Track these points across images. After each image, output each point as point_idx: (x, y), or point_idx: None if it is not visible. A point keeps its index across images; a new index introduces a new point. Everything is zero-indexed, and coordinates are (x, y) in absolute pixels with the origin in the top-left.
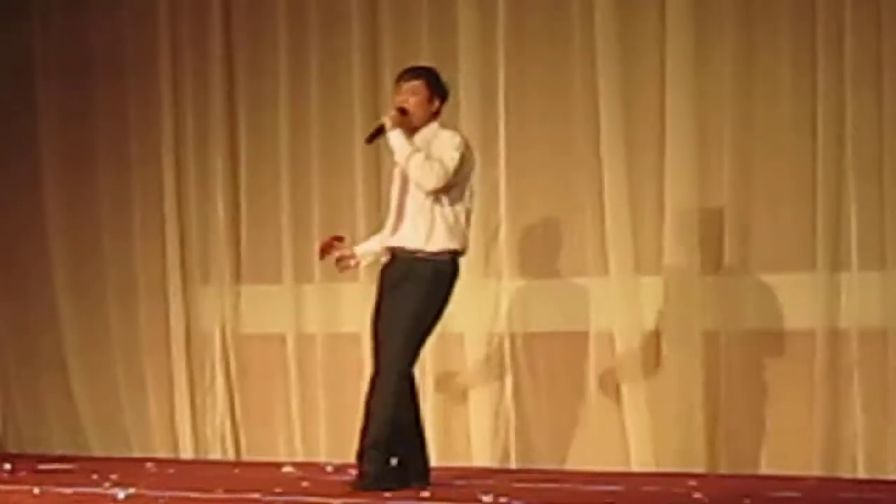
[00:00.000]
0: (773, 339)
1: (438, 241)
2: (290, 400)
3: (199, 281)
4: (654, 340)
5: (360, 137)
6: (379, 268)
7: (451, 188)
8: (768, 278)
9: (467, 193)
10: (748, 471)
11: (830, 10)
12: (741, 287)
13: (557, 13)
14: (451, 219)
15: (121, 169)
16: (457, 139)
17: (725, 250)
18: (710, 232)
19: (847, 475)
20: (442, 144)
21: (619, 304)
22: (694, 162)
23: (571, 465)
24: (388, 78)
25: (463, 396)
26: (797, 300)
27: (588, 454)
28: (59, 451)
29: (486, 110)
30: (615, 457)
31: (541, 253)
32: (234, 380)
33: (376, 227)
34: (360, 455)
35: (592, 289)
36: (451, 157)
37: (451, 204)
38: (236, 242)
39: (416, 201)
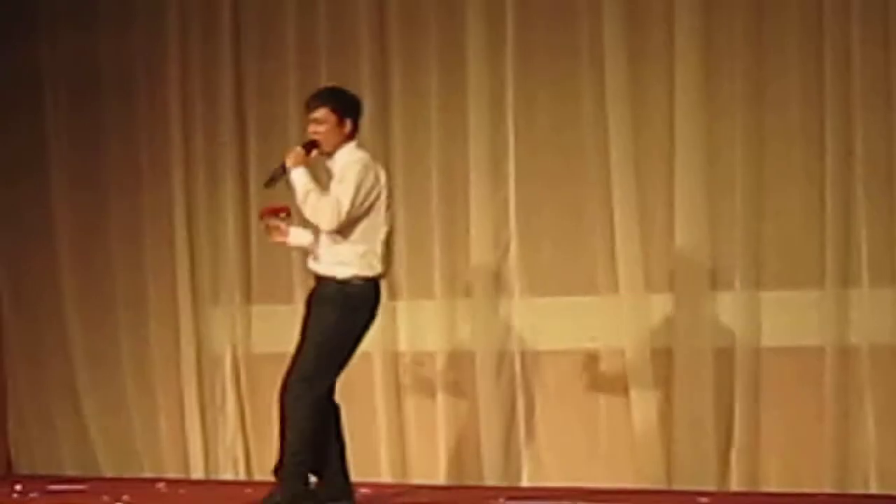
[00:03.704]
0: (784, 356)
1: (349, 269)
2: None
3: (210, 301)
4: (664, 358)
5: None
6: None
7: (359, 221)
8: (779, 295)
9: (380, 218)
10: (759, 488)
11: (838, 26)
12: (751, 304)
13: (566, 26)
14: (360, 249)
15: (130, 190)
16: (355, 169)
17: (736, 267)
18: (720, 249)
19: (859, 492)
20: (343, 175)
21: (630, 321)
22: (703, 179)
23: (582, 483)
24: (396, 96)
25: (474, 415)
26: (808, 316)
27: (599, 472)
28: (70, 472)
29: (495, 124)
30: (626, 474)
31: (551, 271)
32: (244, 399)
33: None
34: (276, 472)
35: (603, 306)
36: (346, 194)
37: (363, 233)
38: (246, 262)
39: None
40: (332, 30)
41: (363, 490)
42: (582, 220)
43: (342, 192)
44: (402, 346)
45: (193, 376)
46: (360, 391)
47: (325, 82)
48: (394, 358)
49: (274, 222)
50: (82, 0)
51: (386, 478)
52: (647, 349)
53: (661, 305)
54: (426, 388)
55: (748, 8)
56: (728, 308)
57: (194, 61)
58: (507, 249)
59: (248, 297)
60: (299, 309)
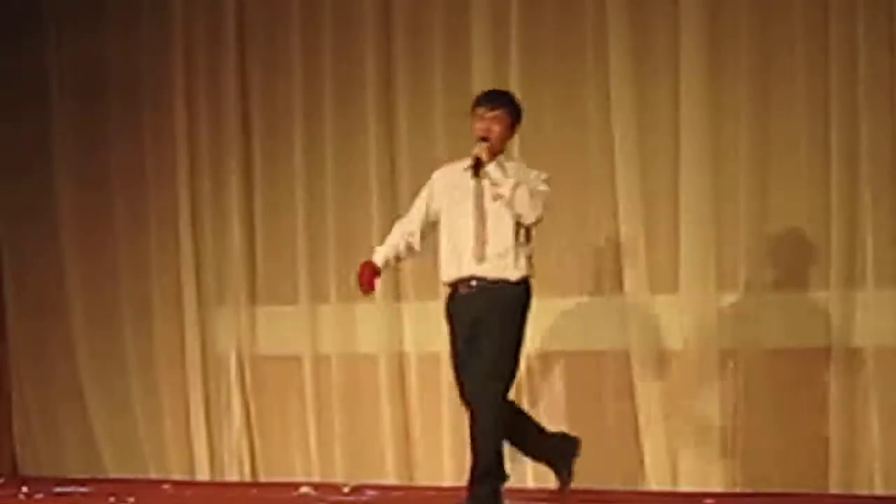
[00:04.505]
0: (789, 357)
1: (521, 271)
2: (306, 421)
3: (215, 302)
4: (670, 359)
5: (374, 158)
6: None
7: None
8: (784, 296)
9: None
10: (765, 489)
11: (844, 27)
12: (757, 305)
13: (570, 27)
14: (528, 250)
15: (136, 191)
16: (539, 173)
17: (741, 268)
18: (725, 250)
19: (864, 493)
20: (527, 177)
21: (635, 322)
22: (709, 180)
23: (588, 485)
24: (401, 99)
25: None
26: (813, 318)
27: (605, 473)
28: (76, 474)
29: None
30: (632, 476)
31: (556, 271)
32: (250, 401)
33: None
34: (472, 482)
35: (608, 307)
36: (546, 187)
37: (528, 232)
38: (251, 263)
39: (499, 231)
40: (336, 33)
41: (369, 492)
42: (587, 223)
43: (542, 187)
44: (408, 347)
45: (198, 377)
46: (366, 393)
47: (329, 85)
48: (399, 359)
49: (374, 285)
50: (88, 1)
51: (391, 479)
52: (653, 350)
53: (666, 307)
54: (431, 390)
55: (753, 9)
56: (733, 309)
57: (199, 63)
58: None
59: (253, 298)
60: (304, 310)
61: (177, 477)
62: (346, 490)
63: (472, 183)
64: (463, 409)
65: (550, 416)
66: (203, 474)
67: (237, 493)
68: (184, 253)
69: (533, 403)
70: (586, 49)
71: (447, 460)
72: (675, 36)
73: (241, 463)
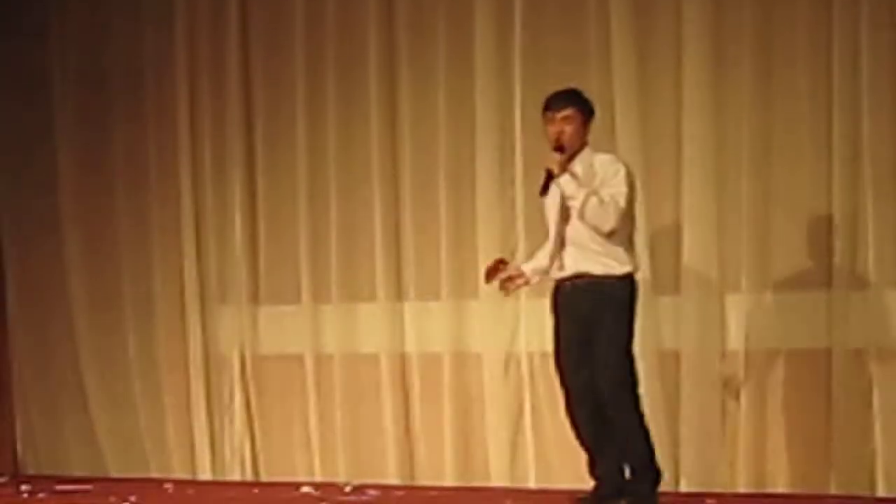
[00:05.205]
0: (791, 358)
1: (625, 266)
2: (308, 420)
3: (217, 301)
4: (672, 360)
5: (376, 157)
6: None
7: (624, 218)
8: (786, 297)
9: (633, 213)
10: (766, 490)
11: (847, 27)
12: (759, 306)
13: (574, 29)
14: (627, 244)
15: (138, 189)
16: (622, 170)
17: (743, 269)
18: (727, 251)
19: (866, 494)
20: (608, 176)
21: (638, 322)
22: (710, 181)
23: (590, 485)
24: (404, 99)
25: (481, 416)
26: (815, 318)
27: None
28: (78, 473)
29: (503, 126)
30: None
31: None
32: (252, 400)
33: (392, 247)
34: (628, 482)
35: None
36: (622, 194)
37: (625, 230)
38: (254, 263)
39: (580, 242)
40: (340, 31)
41: (370, 492)
42: None
43: (618, 194)
44: (410, 347)
45: (201, 377)
46: (368, 393)
47: (333, 83)
48: (401, 359)
49: (505, 274)
50: (91, 5)
51: (393, 479)
52: (655, 350)
53: (668, 307)
54: (433, 389)
55: (756, 12)
56: (735, 310)
57: (202, 61)
58: (514, 251)
59: (255, 298)
60: (306, 309)
61: (178, 476)
62: (347, 490)
63: (556, 192)
64: (463, 409)
65: (552, 417)
66: (205, 473)
67: (239, 492)
68: (186, 252)
69: (535, 404)
70: (589, 53)
71: (449, 460)
72: (677, 40)
73: (242, 462)
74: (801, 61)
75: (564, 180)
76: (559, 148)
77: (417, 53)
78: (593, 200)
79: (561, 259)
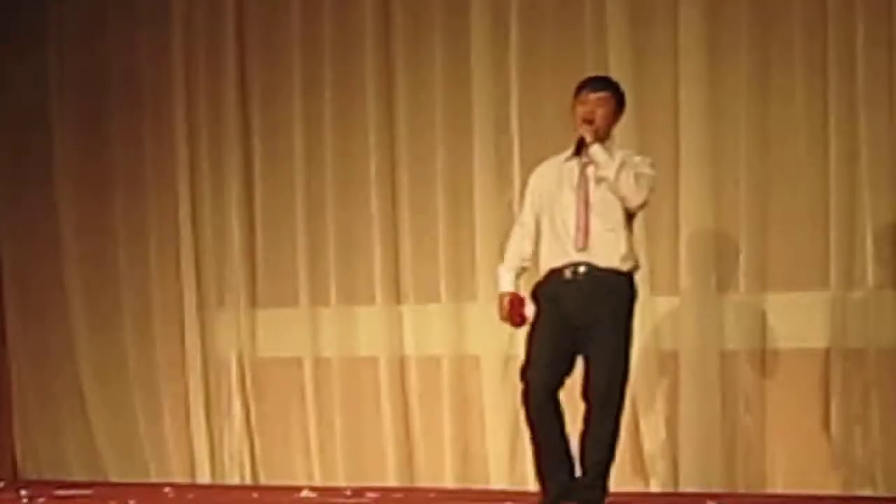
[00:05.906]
0: (790, 358)
1: (630, 261)
2: (307, 424)
3: (215, 305)
4: (670, 360)
5: (374, 161)
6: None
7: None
8: (784, 297)
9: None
10: (766, 490)
11: (842, 29)
12: (757, 306)
13: (570, 34)
14: (632, 239)
15: (136, 195)
16: (647, 158)
17: (741, 269)
18: (725, 251)
19: (865, 494)
20: (634, 161)
21: (635, 324)
22: (708, 182)
23: None
24: (401, 100)
25: (480, 419)
26: (813, 318)
27: None
28: (77, 477)
29: (500, 127)
30: (633, 477)
31: None
32: (251, 404)
33: (391, 250)
34: (584, 481)
35: None
36: (651, 170)
37: (631, 221)
38: (252, 266)
39: (605, 218)
40: (336, 35)
41: (370, 494)
42: None
43: (647, 169)
44: (408, 350)
45: (199, 380)
46: (367, 396)
47: (329, 87)
48: (400, 362)
49: (528, 308)
50: (88, 8)
51: (392, 482)
52: (653, 351)
53: (666, 308)
54: (432, 392)
55: (753, 14)
56: (734, 311)
57: (199, 67)
58: None
59: (253, 301)
60: (305, 312)
61: (178, 480)
62: (347, 493)
63: (575, 170)
64: (462, 412)
65: None
66: (204, 477)
67: (238, 496)
68: (184, 256)
69: None
70: (585, 59)
71: (448, 462)
72: (674, 45)
73: (241, 466)
74: (798, 64)
75: (597, 148)
76: (590, 121)
77: (414, 58)
78: (628, 170)
79: (582, 248)
